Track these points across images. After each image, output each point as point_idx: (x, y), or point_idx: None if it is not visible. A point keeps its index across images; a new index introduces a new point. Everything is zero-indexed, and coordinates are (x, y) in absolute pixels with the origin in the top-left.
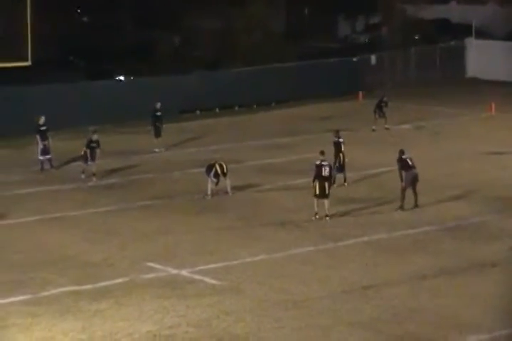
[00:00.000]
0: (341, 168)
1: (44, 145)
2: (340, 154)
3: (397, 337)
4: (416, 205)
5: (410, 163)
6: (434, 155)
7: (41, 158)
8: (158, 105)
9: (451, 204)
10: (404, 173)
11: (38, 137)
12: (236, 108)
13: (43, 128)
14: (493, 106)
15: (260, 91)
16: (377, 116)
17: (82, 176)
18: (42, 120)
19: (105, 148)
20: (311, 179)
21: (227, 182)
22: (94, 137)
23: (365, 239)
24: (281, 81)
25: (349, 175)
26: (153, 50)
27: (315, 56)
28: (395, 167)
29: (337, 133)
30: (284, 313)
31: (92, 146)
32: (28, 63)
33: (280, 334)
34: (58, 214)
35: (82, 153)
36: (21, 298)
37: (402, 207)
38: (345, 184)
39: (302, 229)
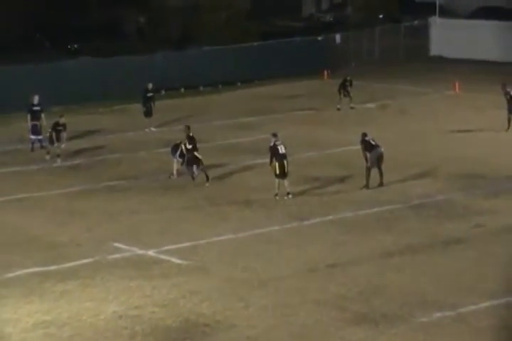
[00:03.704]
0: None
1: (34, 125)
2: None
3: (363, 314)
4: (381, 184)
5: (373, 142)
6: (399, 134)
7: (32, 137)
8: (150, 86)
9: (416, 182)
10: (368, 154)
11: (28, 116)
12: (201, 88)
13: (36, 108)
14: (458, 84)
15: (225, 70)
16: (341, 95)
17: (47, 157)
18: (36, 99)
19: (71, 128)
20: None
21: None
22: (62, 120)
23: (330, 217)
24: (246, 60)
25: (314, 153)
26: (119, 29)
27: (280, 35)
28: (360, 146)
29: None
30: (250, 292)
31: (58, 129)
32: None
33: (246, 313)
34: (23, 195)
35: (48, 134)
36: None
37: (367, 186)
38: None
39: (267, 208)
